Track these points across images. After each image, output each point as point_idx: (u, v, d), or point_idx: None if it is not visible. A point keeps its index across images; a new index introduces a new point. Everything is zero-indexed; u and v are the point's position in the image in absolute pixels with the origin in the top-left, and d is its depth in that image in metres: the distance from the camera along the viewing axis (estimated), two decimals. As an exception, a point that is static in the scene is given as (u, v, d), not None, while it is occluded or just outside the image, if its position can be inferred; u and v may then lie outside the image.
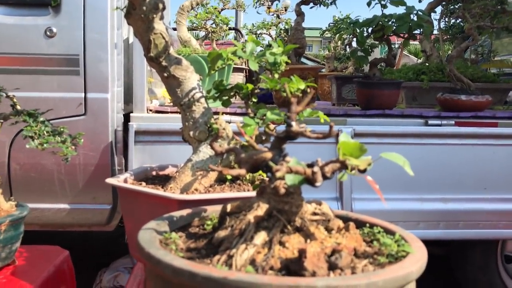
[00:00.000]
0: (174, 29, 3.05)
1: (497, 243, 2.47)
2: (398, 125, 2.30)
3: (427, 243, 2.63)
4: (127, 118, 2.24)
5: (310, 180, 0.75)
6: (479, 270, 2.47)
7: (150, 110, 2.32)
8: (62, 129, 1.45)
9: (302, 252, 0.72)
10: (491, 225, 2.26)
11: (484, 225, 2.26)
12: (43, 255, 1.55)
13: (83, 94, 2.16)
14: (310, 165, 0.79)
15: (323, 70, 4.41)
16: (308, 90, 1.13)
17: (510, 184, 2.29)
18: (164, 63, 1.31)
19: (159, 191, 1.22)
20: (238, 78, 3.53)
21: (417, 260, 0.73)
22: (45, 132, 1.40)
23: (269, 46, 1.36)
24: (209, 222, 0.95)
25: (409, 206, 2.23)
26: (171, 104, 2.46)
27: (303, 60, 5.41)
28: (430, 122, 2.32)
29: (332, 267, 0.72)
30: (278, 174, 0.74)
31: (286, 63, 1.31)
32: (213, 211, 1.00)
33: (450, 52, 3.84)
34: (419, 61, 4.37)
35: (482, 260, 2.47)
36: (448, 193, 2.27)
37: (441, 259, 2.78)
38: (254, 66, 1.23)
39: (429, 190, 2.26)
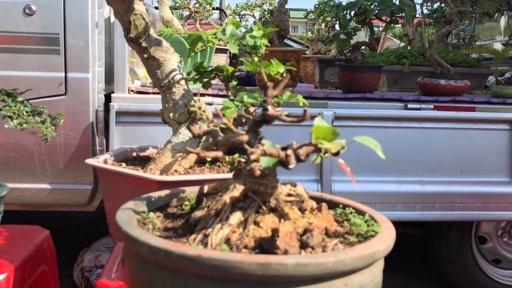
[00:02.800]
0: (156, 8, 3.02)
1: (471, 225, 2.54)
2: (378, 109, 2.34)
3: (405, 224, 2.69)
4: (108, 98, 2.23)
5: (283, 163, 0.77)
6: (454, 250, 2.55)
7: (132, 91, 2.31)
8: (41, 109, 1.45)
9: (275, 232, 0.75)
10: (467, 207, 2.32)
11: (460, 207, 2.32)
12: (23, 234, 1.56)
13: (63, 74, 2.14)
14: (285, 148, 0.81)
15: (307, 52, 4.42)
16: (285, 74, 1.14)
17: (486, 168, 2.35)
18: (144, 44, 1.31)
19: (138, 172, 1.23)
20: (221, 59, 3.51)
21: (384, 240, 0.76)
22: (24, 112, 1.39)
23: (252, 29, 1.36)
24: (187, 203, 0.97)
25: (387, 188, 2.28)
26: (152, 85, 2.46)
27: (287, 42, 5.40)
28: (409, 106, 2.35)
29: (304, 245, 0.75)
30: (252, 157, 0.76)
31: (266, 46, 1.32)
32: (192, 192, 1.02)
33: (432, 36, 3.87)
34: (402, 44, 4.40)
35: (457, 241, 2.54)
36: (426, 176, 2.32)
37: (418, 240, 2.86)
38: (233, 49, 1.24)
39: (407, 172, 2.31)
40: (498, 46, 3.91)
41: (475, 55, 3.70)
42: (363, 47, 2.71)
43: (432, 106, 2.37)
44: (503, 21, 4.22)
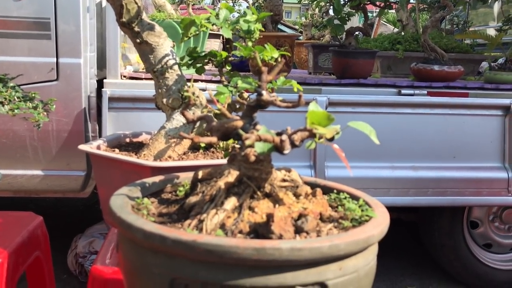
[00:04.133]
0: (149, -7, 2.98)
1: (463, 210, 2.56)
2: (372, 94, 2.33)
3: (398, 209, 2.70)
4: (100, 84, 2.22)
5: (278, 148, 0.77)
6: (446, 235, 2.57)
7: (124, 76, 2.29)
8: (33, 95, 1.43)
9: (270, 217, 0.75)
10: (459, 193, 2.34)
11: (452, 192, 2.34)
12: (17, 221, 1.55)
13: (55, 59, 2.12)
14: (279, 133, 0.80)
15: (300, 37, 4.39)
16: (280, 59, 1.13)
17: (478, 153, 2.36)
18: (136, 29, 1.29)
19: (132, 158, 1.23)
20: (214, 45, 3.49)
21: (378, 224, 0.76)
22: (15, 98, 1.38)
23: (245, 13, 1.35)
24: (181, 189, 0.97)
25: (380, 173, 2.29)
26: (145, 70, 2.44)
27: (281, 27, 5.37)
28: (403, 91, 2.35)
29: (299, 230, 0.75)
30: (247, 142, 0.75)
31: (260, 30, 1.31)
32: (186, 177, 1.02)
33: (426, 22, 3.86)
34: (396, 30, 4.39)
35: (449, 226, 2.56)
36: (419, 161, 2.33)
37: (411, 225, 2.89)
38: (227, 34, 1.23)
39: (400, 158, 2.32)
40: (491, 32, 3.91)
41: (468, 40, 3.69)
42: (357, 33, 2.69)
43: (425, 92, 2.37)
44: (496, 6, 4.21)
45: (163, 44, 1.33)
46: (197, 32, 1.32)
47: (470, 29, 4.00)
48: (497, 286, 2.61)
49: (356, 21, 4.70)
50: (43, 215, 1.66)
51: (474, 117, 2.35)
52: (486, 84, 2.55)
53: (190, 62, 1.36)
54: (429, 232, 2.65)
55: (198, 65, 1.38)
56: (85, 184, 2.24)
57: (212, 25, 1.30)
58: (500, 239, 2.64)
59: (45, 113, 1.39)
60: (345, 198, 0.91)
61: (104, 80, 2.19)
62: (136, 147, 1.39)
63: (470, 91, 2.42)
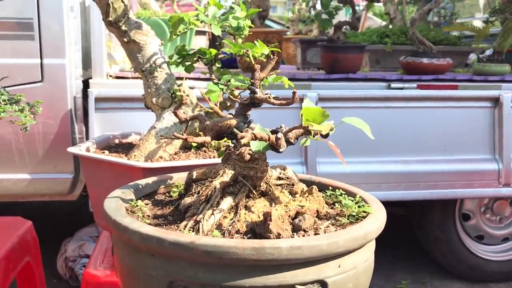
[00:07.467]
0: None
1: (455, 202, 2.57)
2: (361, 89, 2.33)
3: (389, 204, 2.70)
4: (86, 84, 2.18)
5: (274, 146, 0.75)
6: (438, 228, 2.58)
7: (110, 76, 2.26)
8: (19, 97, 1.40)
9: (267, 216, 0.73)
10: (450, 185, 2.34)
11: (443, 185, 2.34)
12: (6, 226, 1.52)
13: (39, 60, 2.08)
14: (274, 131, 0.79)
15: (288, 33, 4.38)
16: (271, 56, 1.12)
17: (468, 146, 2.37)
18: (123, 28, 1.27)
19: (123, 159, 1.21)
20: (200, 41, 3.45)
21: (376, 220, 0.75)
22: (1, 101, 1.34)
23: (232, 8, 1.33)
24: (175, 189, 0.95)
25: (371, 168, 2.29)
26: (132, 69, 2.40)
27: (267, 22, 5.35)
28: (392, 85, 2.35)
29: (296, 229, 0.74)
30: (243, 141, 0.74)
31: (250, 27, 1.30)
32: (179, 178, 1.00)
33: (413, 14, 3.86)
34: (383, 23, 4.40)
35: (441, 219, 2.57)
36: (409, 155, 2.33)
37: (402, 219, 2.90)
38: (217, 31, 1.21)
39: (391, 152, 2.31)
40: (477, 23, 3.93)
41: (455, 32, 3.70)
42: (345, 27, 2.68)
43: (415, 85, 2.36)
44: (482, -2, 4.23)
45: (151, 43, 1.31)
46: (186, 30, 1.30)
47: (457, 21, 4.02)
48: (490, 277, 2.63)
49: (342, 15, 4.70)
50: (29, 219, 1.63)
51: (464, 109, 2.35)
52: (475, 76, 2.56)
53: (179, 60, 1.34)
54: (422, 226, 2.65)
55: (187, 63, 1.36)
56: (73, 186, 2.20)
57: (201, 22, 1.28)
58: (492, 231, 2.66)
59: (32, 115, 1.36)
60: (341, 194, 0.90)
61: (90, 80, 2.16)
62: (126, 148, 1.37)
63: (460, 83, 2.42)
